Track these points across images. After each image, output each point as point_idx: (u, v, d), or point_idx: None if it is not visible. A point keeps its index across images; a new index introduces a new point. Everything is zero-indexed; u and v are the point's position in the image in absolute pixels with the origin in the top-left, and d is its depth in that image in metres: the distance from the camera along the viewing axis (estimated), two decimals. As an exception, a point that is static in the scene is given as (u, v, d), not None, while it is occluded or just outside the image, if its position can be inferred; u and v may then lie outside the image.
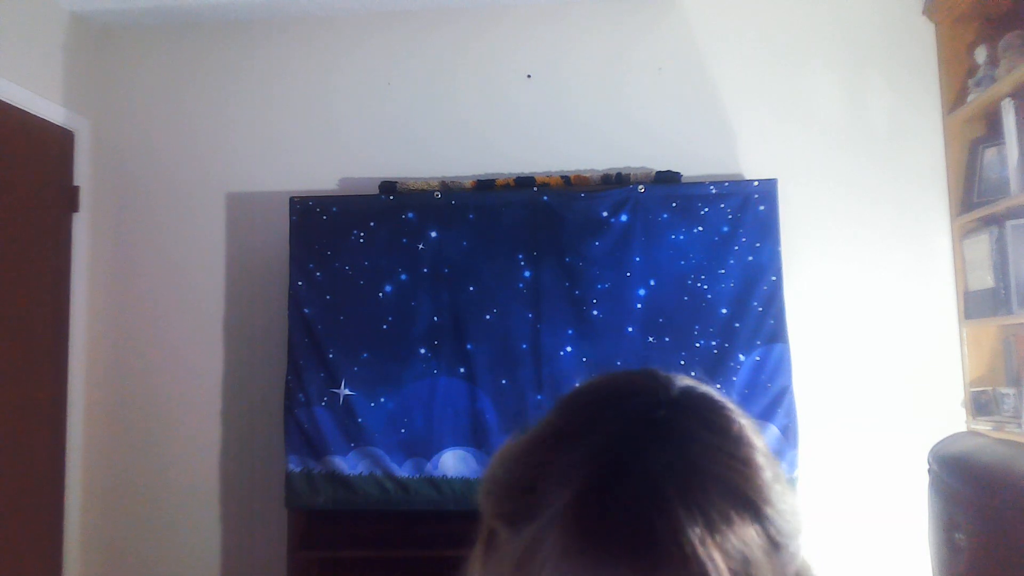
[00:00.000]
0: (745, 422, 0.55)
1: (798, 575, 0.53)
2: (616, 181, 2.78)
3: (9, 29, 2.70)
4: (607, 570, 0.46)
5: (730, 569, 0.46)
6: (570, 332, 2.66)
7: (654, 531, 0.46)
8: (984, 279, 2.62)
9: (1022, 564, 1.35)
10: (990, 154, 2.68)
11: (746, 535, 0.48)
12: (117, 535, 2.97)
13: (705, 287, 2.64)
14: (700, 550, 0.46)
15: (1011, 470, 1.44)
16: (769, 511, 0.50)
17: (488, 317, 2.68)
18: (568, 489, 0.49)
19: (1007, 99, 2.49)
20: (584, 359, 2.64)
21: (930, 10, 2.88)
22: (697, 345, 2.62)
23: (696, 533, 0.46)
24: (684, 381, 0.57)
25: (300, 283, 2.73)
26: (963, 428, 2.65)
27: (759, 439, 0.54)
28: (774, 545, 0.49)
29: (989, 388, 2.66)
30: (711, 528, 0.47)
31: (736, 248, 2.65)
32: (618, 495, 0.48)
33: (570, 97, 2.99)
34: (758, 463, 0.52)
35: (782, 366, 2.60)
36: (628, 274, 2.66)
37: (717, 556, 0.46)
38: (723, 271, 2.64)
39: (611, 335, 2.64)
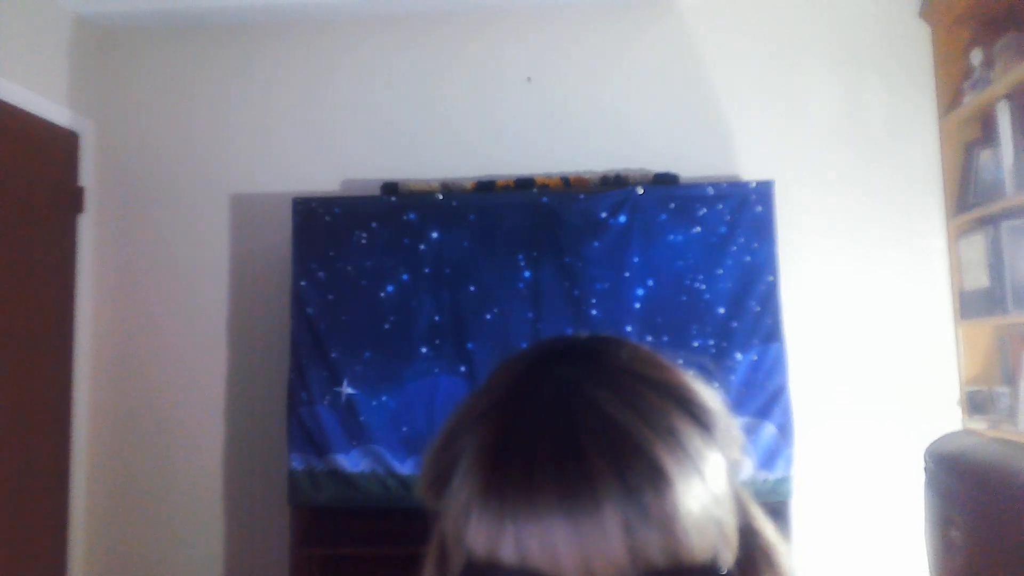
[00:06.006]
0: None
1: (739, 495, 0.51)
2: (615, 183, 2.81)
3: (13, 32, 2.72)
4: (530, 487, 0.43)
5: (659, 435, 0.45)
6: (569, 331, 2.68)
7: (569, 425, 0.45)
8: (979, 279, 2.65)
9: (1017, 561, 1.37)
10: (985, 156, 2.70)
11: (665, 408, 0.47)
12: (121, 532, 2.99)
13: (703, 287, 2.66)
14: (625, 421, 0.45)
15: (1006, 468, 1.46)
16: (685, 392, 0.49)
17: (489, 317, 2.70)
18: (477, 433, 0.48)
19: (1002, 101, 2.52)
20: (584, 358, 2.66)
21: (926, 12, 2.90)
22: (695, 345, 2.65)
23: (620, 409, 0.45)
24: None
25: (303, 283, 2.75)
26: (959, 427, 2.68)
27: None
28: (698, 421, 0.48)
29: (984, 387, 2.68)
30: (628, 401, 0.46)
31: (733, 249, 2.67)
32: (524, 414, 0.47)
33: (569, 100, 3.01)
34: (664, 361, 0.51)
35: (779, 365, 2.63)
36: (627, 274, 2.68)
37: (643, 426, 0.45)
38: (721, 271, 2.66)
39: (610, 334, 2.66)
